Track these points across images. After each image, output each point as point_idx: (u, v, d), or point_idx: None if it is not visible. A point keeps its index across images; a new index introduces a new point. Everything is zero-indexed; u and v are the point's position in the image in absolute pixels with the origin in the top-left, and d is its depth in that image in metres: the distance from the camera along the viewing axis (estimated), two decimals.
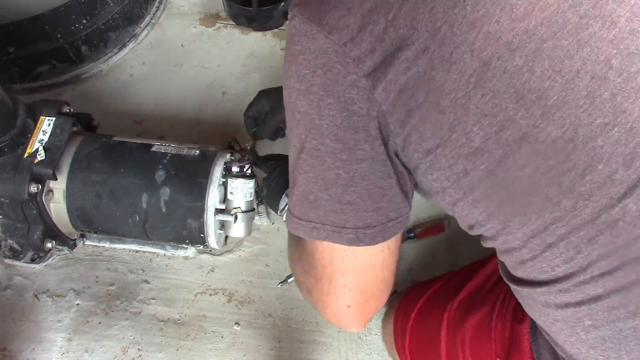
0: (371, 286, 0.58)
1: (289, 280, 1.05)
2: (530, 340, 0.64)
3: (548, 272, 0.50)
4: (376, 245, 0.55)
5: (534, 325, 0.63)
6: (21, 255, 1.05)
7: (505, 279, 0.59)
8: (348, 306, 0.58)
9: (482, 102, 0.43)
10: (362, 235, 0.53)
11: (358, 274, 0.57)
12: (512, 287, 0.58)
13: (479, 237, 0.56)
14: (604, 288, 0.47)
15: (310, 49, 0.47)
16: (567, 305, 0.50)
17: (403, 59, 0.44)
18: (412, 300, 0.87)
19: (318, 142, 0.50)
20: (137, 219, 0.93)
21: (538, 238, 0.48)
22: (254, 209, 0.97)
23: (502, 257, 0.56)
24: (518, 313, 0.67)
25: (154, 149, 0.96)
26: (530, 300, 0.56)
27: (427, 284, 0.89)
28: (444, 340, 0.75)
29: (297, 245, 0.63)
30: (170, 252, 1.10)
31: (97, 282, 1.08)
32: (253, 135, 1.05)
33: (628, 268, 0.45)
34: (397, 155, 0.51)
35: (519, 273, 0.54)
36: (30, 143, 0.92)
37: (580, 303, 0.49)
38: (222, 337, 1.02)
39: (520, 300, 0.59)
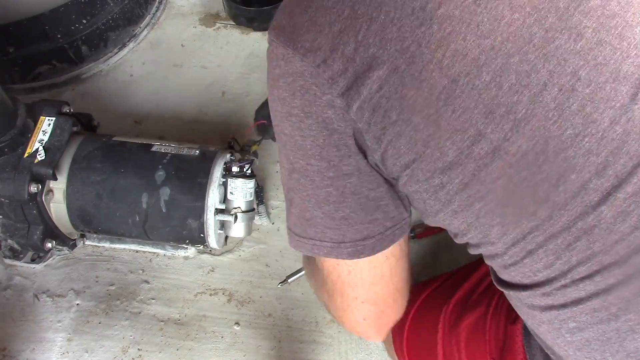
0: (383, 296, 0.59)
1: (289, 280, 1.05)
2: (523, 341, 0.64)
3: (531, 277, 0.51)
4: (379, 255, 0.55)
5: (526, 326, 0.63)
6: (21, 255, 1.05)
7: (494, 282, 0.60)
8: (364, 319, 0.59)
9: (452, 118, 0.44)
10: (362, 247, 0.54)
11: (367, 286, 0.57)
12: (501, 289, 0.59)
13: (465, 245, 0.58)
14: (585, 291, 0.48)
15: (288, 72, 0.48)
16: (551, 307, 0.51)
17: (375, 78, 0.45)
18: (410, 301, 0.87)
19: (305, 162, 0.51)
20: (137, 219, 0.93)
21: (518, 246, 0.49)
22: (254, 209, 0.97)
23: (488, 262, 0.57)
24: (512, 314, 0.66)
25: (154, 149, 0.96)
26: (517, 302, 0.57)
27: (424, 285, 0.89)
28: (441, 342, 0.75)
29: (309, 262, 0.64)
30: (170, 252, 1.10)
31: (97, 282, 1.08)
32: (259, 131, 1.06)
33: (606, 272, 0.46)
34: (378, 167, 0.52)
35: (505, 276, 0.55)
36: (30, 143, 0.92)
37: (563, 306, 0.50)
38: (222, 337, 1.02)
39: (511, 302, 0.60)
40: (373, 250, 0.55)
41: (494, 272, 0.58)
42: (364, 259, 0.55)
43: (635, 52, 0.42)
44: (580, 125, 0.42)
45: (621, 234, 0.44)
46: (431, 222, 0.56)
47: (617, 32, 0.42)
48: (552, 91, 0.42)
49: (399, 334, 0.86)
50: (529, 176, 0.45)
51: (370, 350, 1.00)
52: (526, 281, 0.52)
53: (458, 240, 0.56)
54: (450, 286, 0.82)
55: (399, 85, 0.44)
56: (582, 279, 0.47)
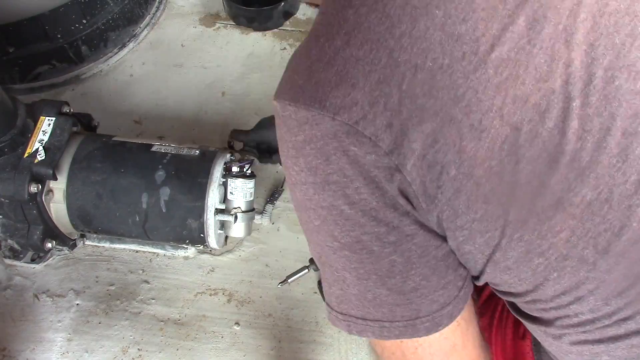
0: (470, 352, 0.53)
1: (290, 281, 1.05)
2: (534, 354, 0.61)
3: (571, 318, 0.47)
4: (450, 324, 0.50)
5: (537, 342, 0.60)
6: (21, 255, 1.05)
7: (512, 312, 0.55)
8: None
9: (517, 170, 0.40)
10: (440, 318, 0.48)
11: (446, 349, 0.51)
12: (522, 320, 0.54)
13: (501, 295, 0.52)
14: (625, 329, 0.46)
15: (317, 136, 0.41)
16: (584, 342, 0.48)
17: (428, 132, 0.40)
18: None
19: (358, 232, 0.44)
20: (137, 219, 0.93)
21: (568, 295, 0.46)
22: (254, 209, 0.97)
23: (520, 304, 0.51)
24: (519, 328, 0.64)
25: (154, 149, 0.96)
26: (541, 333, 0.52)
27: None
28: None
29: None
30: (170, 252, 1.10)
31: (97, 282, 1.08)
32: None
33: None
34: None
35: (536, 314, 0.51)
36: (30, 143, 0.92)
37: (598, 341, 0.47)
38: (222, 337, 1.02)
39: (529, 329, 0.56)
40: (451, 318, 0.49)
41: (516, 307, 0.53)
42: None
43: None
44: None
45: None
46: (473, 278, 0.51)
47: None
48: (616, 136, 0.39)
49: None
50: (593, 227, 0.42)
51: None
52: (565, 323, 0.48)
53: (496, 289, 0.51)
54: None
55: (457, 137, 0.40)
56: (626, 319, 0.45)
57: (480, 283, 0.50)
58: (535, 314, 0.50)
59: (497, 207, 0.42)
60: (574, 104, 0.39)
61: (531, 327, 0.53)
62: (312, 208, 0.45)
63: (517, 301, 0.50)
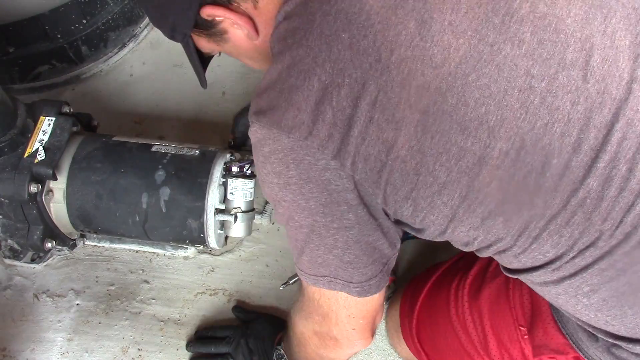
0: (373, 311, 0.66)
1: (291, 282, 1.05)
2: (552, 310, 0.67)
3: (541, 259, 0.56)
4: None
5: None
6: (21, 255, 1.05)
7: (504, 273, 0.64)
8: (354, 329, 0.67)
9: (433, 143, 0.50)
10: (368, 287, 0.62)
11: (360, 306, 0.64)
12: (512, 276, 0.63)
13: (477, 252, 0.62)
14: (592, 257, 0.53)
15: (278, 149, 0.53)
16: (562, 279, 0.56)
17: (357, 133, 0.51)
18: (421, 282, 0.88)
19: (311, 219, 0.57)
20: (137, 219, 0.93)
21: (524, 235, 0.54)
22: (254, 209, 0.97)
23: (498, 258, 0.61)
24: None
25: (154, 149, 0.96)
26: (529, 282, 0.62)
27: (436, 266, 0.90)
28: (454, 315, 0.77)
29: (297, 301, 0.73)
30: (170, 252, 1.10)
31: (97, 282, 1.08)
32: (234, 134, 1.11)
33: (606, 236, 0.51)
34: (384, 211, 0.58)
35: (515, 265, 0.60)
36: (30, 143, 0.92)
37: (573, 275, 0.55)
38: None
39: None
40: (378, 289, 0.63)
41: (503, 265, 0.63)
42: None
43: (573, 40, 0.49)
44: (547, 115, 0.48)
45: (611, 199, 0.50)
46: (439, 239, 0.60)
47: (552, 28, 0.49)
48: (513, 94, 0.48)
49: (407, 320, 0.87)
50: (517, 171, 0.50)
51: (370, 350, 1.00)
52: (537, 263, 0.56)
53: (468, 249, 0.61)
54: (463, 264, 0.84)
55: (378, 132, 0.50)
56: (587, 247, 0.52)
57: (467, 248, 0.60)
58: (515, 265, 0.59)
59: (427, 176, 0.52)
60: (470, 78, 0.48)
61: (523, 279, 0.62)
62: (277, 200, 0.58)
63: (492, 256, 0.60)
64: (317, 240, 0.58)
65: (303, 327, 0.72)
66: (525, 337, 0.69)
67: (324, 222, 0.57)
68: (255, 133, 0.55)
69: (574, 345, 0.65)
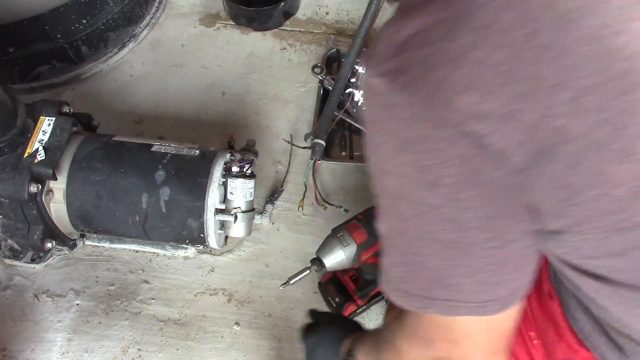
0: (510, 328, 0.52)
1: (291, 282, 1.05)
2: (567, 316, 0.60)
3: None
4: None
5: (563, 300, 0.60)
6: (21, 255, 1.05)
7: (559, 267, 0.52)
8: (494, 352, 0.52)
9: None
10: (511, 299, 0.48)
11: (500, 322, 0.50)
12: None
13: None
14: None
15: (436, 137, 0.39)
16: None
17: (566, 154, 0.37)
18: None
19: (458, 234, 0.44)
20: (137, 219, 0.93)
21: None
22: (254, 209, 0.97)
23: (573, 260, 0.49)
24: (543, 285, 0.63)
25: (154, 149, 0.96)
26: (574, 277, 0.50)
27: None
28: None
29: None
30: (170, 252, 1.10)
31: (97, 282, 1.08)
32: None
33: None
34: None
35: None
36: (30, 143, 0.92)
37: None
38: (222, 337, 1.02)
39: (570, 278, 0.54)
40: (519, 300, 0.49)
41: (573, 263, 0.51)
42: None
43: None
44: None
45: None
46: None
47: None
48: None
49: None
50: None
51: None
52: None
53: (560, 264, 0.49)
54: None
55: (598, 161, 0.37)
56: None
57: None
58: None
59: (633, 216, 0.40)
60: None
61: (572, 277, 0.50)
62: (409, 200, 0.43)
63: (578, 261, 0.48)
64: (460, 259, 0.46)
65: (417, 356, 0.57)
66: (535, 342, 0.63)
67: (479, 239, 0.44)
68: (389, 105, 0.42)
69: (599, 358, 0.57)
